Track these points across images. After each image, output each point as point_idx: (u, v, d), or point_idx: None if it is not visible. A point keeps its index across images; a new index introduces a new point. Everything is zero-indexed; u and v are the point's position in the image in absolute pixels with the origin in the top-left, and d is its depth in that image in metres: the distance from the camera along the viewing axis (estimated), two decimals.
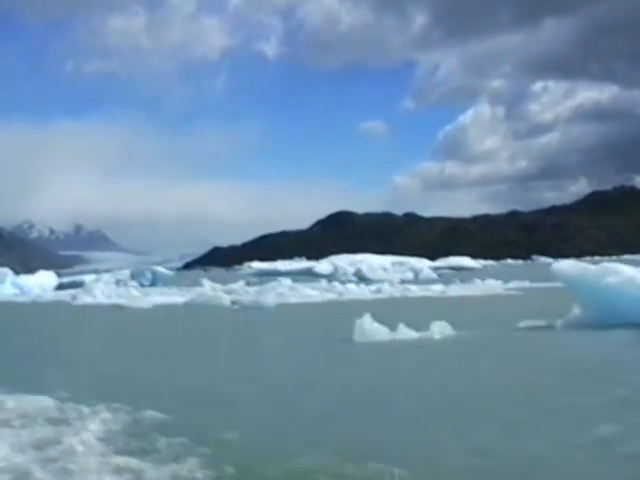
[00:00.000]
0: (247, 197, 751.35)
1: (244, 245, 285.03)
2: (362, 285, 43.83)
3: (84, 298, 41.80)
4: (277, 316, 26.37)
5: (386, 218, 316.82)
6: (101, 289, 42.82)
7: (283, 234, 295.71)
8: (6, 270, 62.66)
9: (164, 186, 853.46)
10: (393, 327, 16.36)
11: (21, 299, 46.99)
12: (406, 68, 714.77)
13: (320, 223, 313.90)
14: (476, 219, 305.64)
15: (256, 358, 14.76)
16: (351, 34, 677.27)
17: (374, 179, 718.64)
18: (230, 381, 11.81)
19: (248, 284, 47.67)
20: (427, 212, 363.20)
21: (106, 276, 67.42)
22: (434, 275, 72.02)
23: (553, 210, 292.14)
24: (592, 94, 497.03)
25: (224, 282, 54.40)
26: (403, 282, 60.11)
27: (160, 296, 38.51)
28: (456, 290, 36.91)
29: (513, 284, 43.40)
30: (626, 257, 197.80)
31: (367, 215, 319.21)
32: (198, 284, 54.76)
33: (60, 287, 61.16)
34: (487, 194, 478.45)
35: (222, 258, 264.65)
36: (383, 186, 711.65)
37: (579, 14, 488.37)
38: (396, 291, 37.04)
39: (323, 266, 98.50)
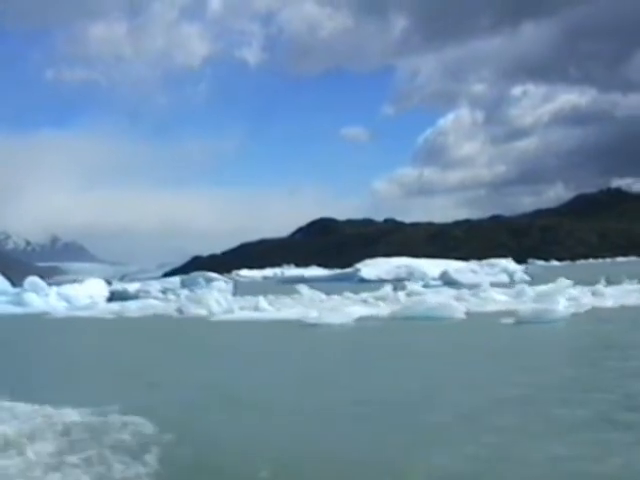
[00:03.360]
0: (226, 205, 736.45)
1: (224, 254, 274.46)
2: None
3: (195, 310, 32.17)
4: None
5: (367, 224, 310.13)
6: (216, 299, 32.85)
7: (264, 242, 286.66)
8: (36, 279, 52.55)
9: (143, 195, 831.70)
10: None
11: (91, 314, 36.88)
12: (386, 73, 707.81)
13: (301, 230, 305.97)
14: (459, 224, 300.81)
15: None
16: (331, 40, 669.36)
17: (354, 185, 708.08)
18: None
19: (395, 289, 38.13)
20: (406, 218, 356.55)
21: (160, 282, 57.51)
22: (527, 277, 63.52)
23: (539, 214, 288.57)
24: (571, 97, 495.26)
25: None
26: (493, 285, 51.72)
27: (342, 306, 28.75)
28: None
29: None
30: (620, 259, 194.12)
31: (348, 222, 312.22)
32: (289, 292, 45.10)
33: (111, 298, 51.00)
34: (465, 199, 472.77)
35: (202, 267, 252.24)
36: (362, 192, 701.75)
37: (557, 18, 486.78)
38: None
39: (368, 270, 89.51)
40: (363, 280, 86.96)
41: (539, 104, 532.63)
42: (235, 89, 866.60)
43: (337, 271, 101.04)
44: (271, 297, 40.71)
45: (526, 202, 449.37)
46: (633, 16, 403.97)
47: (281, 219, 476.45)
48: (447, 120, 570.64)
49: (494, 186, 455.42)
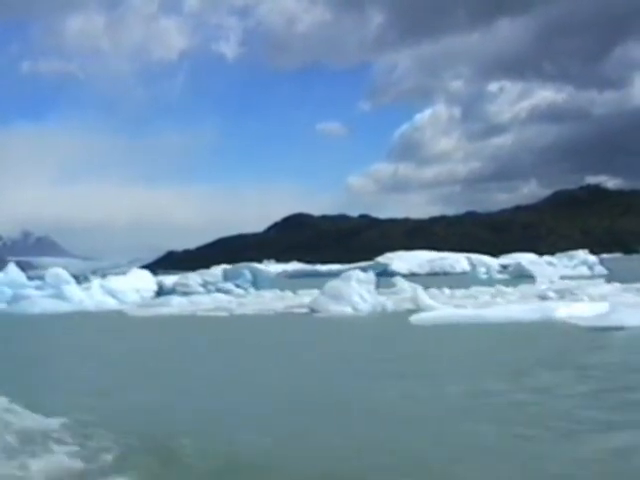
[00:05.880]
0: (200, 200, 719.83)
1: (199, 249, 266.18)
2: None
3: (333, 307, 24.65)
4: None
5: (342, 220, 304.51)
6: (358, 293, 25.32)
7: (239, 237, 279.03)
8: (59, 270, 44.43)
9: (116, 190, 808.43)
10: None
11: (171, 311, 29.05)
12: (363, 68, 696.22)
13: (276, 225, 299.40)
14: (436, 220, 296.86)
15: None
16: (309, 34, 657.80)
17: (329, 181, 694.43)
18: None
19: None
20: (381, 214, 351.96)
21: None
22: (604, 270, 57.43)
23: (518, 210, 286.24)
24: (547, 94, 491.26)
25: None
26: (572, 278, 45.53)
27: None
28: None
29: None
30: (604, 256, 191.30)
31: (324, 217, 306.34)
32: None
33: (159, 292, 43.01)
34: (439, 196, 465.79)
35: (177, 263, 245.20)
36: (337, 188, 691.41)
37: (532, 14, 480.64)
38: None
39: (400, 264, 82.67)
40: (392, 274, 79.98)
41: (515, 101, 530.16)
42: (212, 83, 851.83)
43: (355, 264, 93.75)
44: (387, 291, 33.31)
45: (500, 199, 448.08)
46: (608, 13, 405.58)
47: (256, 214, 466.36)
48: (423, 116, 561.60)
49: (468, 182, 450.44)
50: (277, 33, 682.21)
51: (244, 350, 16.51)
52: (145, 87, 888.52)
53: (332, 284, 26.66)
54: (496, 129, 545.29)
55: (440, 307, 23.94)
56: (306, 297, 33.74)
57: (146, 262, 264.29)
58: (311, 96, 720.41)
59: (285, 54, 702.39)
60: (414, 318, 20.15)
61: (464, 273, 75.27)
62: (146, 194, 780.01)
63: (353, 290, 25.73)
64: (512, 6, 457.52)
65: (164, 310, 29.40)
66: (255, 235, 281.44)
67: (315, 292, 38.10)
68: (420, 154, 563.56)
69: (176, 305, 31.40)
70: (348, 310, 24.85)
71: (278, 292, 39.08)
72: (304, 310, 25.98)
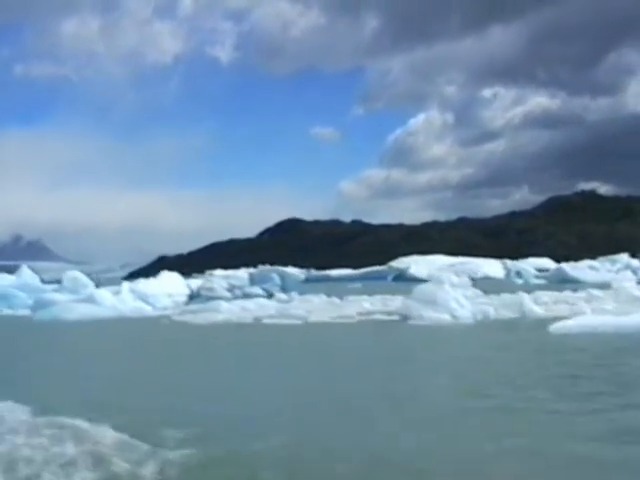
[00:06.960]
0: (193, 205, 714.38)
1: (191, 254, 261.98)
2: None
3: (428, 314, 21.36)
4: None
5: (335, 225, 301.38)
6: (455, 298, 22.04)
7: (232, 242, 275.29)
8: (77, 273, 40.97)
9: (109, 195, 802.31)
10: None
11: (228, 317, 25.63)
12: (357, 73, 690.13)
13: (269, 231, 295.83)
14: (429, 225, 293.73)
15: None
16: (303, 39, 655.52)
17: (321, 186, 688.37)
18: None
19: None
20: (373, 219, 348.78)
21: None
22: None
23: (513, 215, 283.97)
24: (541, 100, 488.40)
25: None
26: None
27: None
28: None
29: None
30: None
31: (316, 222, 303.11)
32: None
33: (191, 297, 39.54)
34: (430, 201, 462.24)
35: (169, 267, 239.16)
36: (328, 193, 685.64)
37: (525, 20, 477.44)
38: None
39: (419, 268, 79.47)
40: (412, 278, 76.68)
41: (509, 107, 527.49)
42: (206, 88, 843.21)
43: (367, 269, 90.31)
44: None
45: (492, 205, 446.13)
46: (602, 19, 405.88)
47: (248, 219, 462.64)
48: (416, 121, 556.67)
49: (460, 188, 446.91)
50: (271, 37, 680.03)
51: (402, 372, 13.04)
52: (139, 91, 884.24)
53: (423, 288, 23.29)
54: (489, 135, 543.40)
55: (544, 313, 20.72)
56: (365, 302, 30.53)
57: (138, 266, 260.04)
58: (305, 101, 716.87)
59: (279, 58, 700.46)
60: (555, 328, 16.89)
61: (488, 278, 72.25)
62: (138, 198, 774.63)
63: (449, 295, 22.37)
64: (505, 12, 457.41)
65: (218, 317, 25.88)
66: (248, 240, 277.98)
67: (364, 297, 34.88)
68: (413, 159, 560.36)
69: (225, 311, 27.86)
70: (446, 317, 21.55)
71: (324, 297, 35.47)
72: (391, 317, 22.63)
